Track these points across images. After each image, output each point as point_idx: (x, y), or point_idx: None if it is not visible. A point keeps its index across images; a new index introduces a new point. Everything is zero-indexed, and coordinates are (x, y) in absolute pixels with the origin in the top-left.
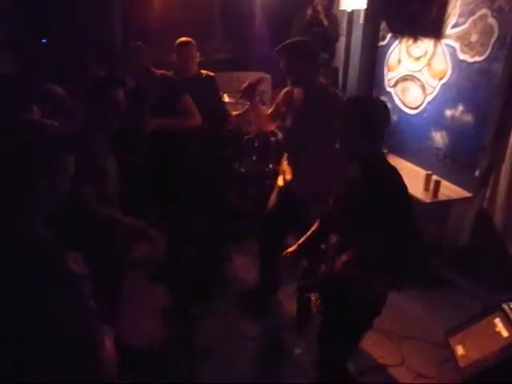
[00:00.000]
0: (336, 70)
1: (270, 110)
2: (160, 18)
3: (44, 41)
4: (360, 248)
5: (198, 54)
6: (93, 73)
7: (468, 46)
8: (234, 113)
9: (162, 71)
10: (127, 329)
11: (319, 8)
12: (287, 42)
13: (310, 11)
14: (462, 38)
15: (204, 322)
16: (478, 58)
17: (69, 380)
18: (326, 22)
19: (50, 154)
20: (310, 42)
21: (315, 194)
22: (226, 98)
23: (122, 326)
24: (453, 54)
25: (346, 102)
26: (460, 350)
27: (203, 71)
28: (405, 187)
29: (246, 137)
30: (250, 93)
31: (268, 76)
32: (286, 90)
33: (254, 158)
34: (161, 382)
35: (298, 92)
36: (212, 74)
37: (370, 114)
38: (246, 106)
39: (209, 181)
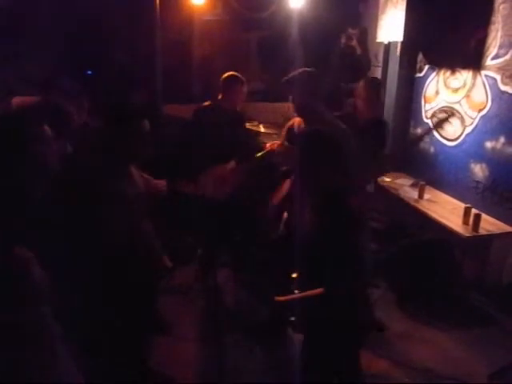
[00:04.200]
0: None
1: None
2: (198, 49)
3: (89, 72)
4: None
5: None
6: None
7: (510, 77)
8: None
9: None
10: (162, 356)
11: (352, 37)
12: (291, 74)
13: (343, 40)
14: (504, 69)
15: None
16: None
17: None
18: (359, 51)
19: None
20: (313, 74)
21: None
22: (262, 129)
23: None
24: (493, 85)
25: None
26: None
27: None
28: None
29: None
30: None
31: None
32: (288, 125)
33: None
34: None
35: (298, 125)
36: None
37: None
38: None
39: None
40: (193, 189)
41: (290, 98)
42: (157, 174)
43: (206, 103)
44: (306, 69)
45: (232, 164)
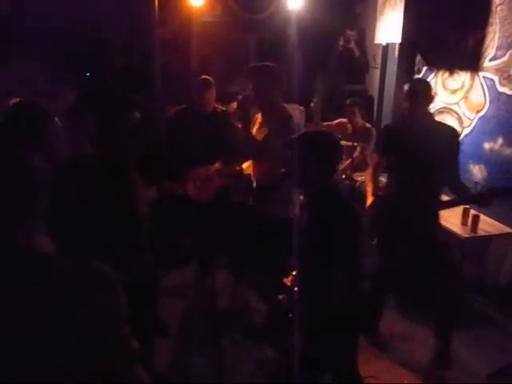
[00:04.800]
0: (371, 99)
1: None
2: (197, 50)
3: (88, 74)
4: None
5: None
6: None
7: (507, 78)
8: None
9: None
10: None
11: (351, 39)
12: (255, 64)
13: (341, 42)
14: (501, 70)
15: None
16: None
17: None
18: (357, 52)
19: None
20: (276, 68)
21: None
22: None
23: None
24: (491, 86)
25: (299, 137)
26: None
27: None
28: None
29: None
30: (246, 107)
31: (302, 108)
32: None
33: None
34: None
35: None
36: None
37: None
38: None
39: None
40: (179, 190)
41: (250, 86)
42: (146, 176)
43: (183, 106)
44: (268, 63)
45: (217, 166)
